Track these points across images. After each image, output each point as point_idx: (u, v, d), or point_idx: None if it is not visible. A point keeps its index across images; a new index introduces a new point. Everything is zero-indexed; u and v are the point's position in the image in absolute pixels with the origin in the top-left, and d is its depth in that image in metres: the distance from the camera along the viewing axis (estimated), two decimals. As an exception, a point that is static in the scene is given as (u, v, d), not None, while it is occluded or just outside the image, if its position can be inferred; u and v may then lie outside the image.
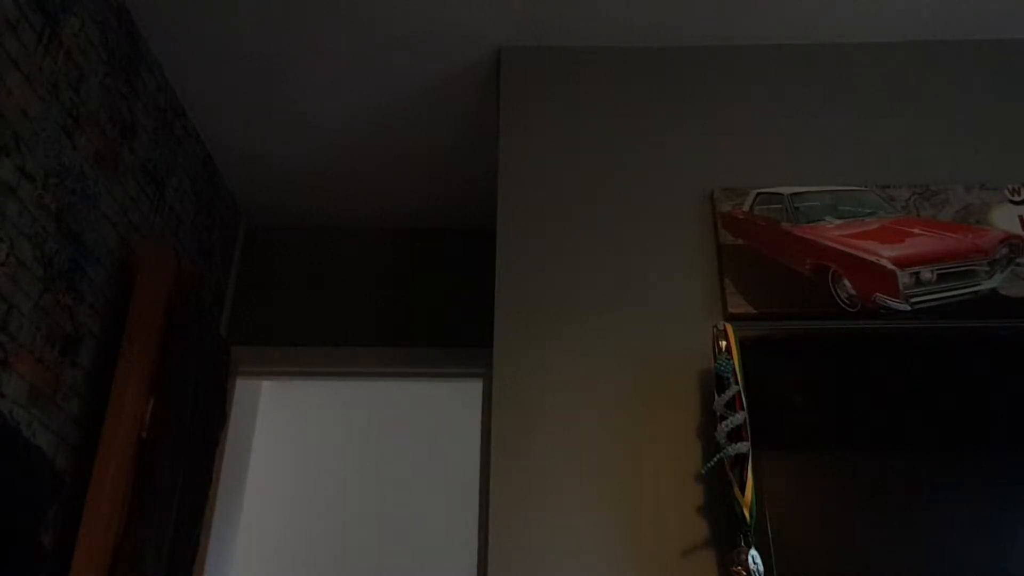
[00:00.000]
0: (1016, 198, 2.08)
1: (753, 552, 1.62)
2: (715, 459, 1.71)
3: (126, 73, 2.34)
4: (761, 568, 1.61)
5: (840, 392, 1.85)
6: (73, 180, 2.09)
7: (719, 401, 1.75)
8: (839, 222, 2.07)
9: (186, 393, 2.37)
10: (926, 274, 1.98)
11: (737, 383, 1.75)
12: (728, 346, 1.79)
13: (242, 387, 3.07)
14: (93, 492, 2.02)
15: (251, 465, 3.26)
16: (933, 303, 1.95)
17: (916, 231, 2.05)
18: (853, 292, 1.97)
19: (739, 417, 1.72)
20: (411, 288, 3.17)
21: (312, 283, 3.18)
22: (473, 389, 3.07)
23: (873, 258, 2.00)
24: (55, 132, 2.02)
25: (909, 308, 1.95)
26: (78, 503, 2.02)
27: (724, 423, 1.72)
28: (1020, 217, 2.05)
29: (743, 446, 1.69)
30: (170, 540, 2.22)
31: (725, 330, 1.82)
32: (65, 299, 2.06)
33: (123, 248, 2.33)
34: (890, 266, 1.99)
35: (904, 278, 1.98)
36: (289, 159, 2.96)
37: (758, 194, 2.11)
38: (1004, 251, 2.01)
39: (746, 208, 2.10)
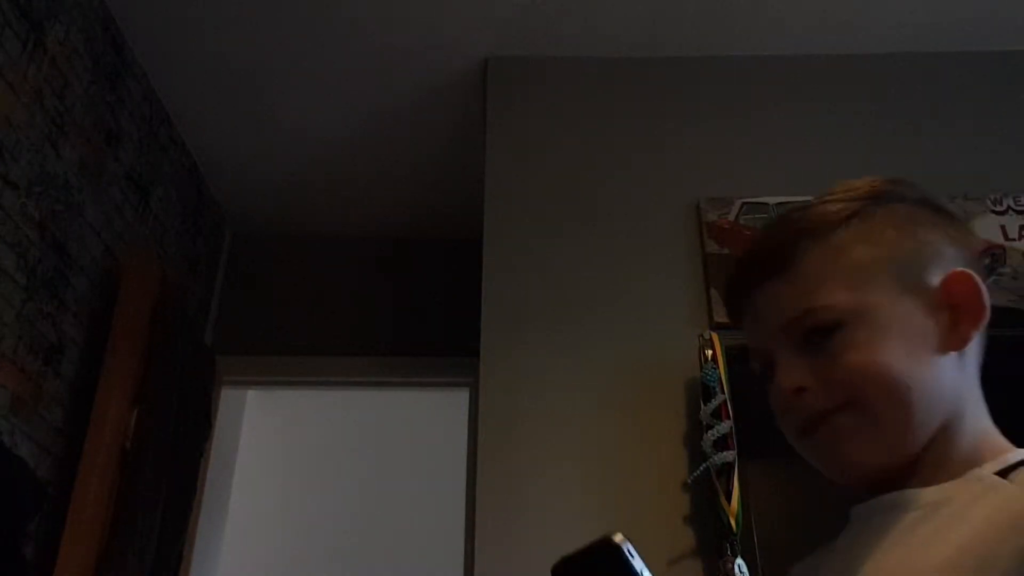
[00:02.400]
0: (998, 208, 2.10)
1: (739, 561, 1.62)
2: (701, 468, 1.71)
3: (111, 81, 2.33)
4: (747, 577, 1.62)
5: (825, 401, 1.86)
6: (57, 188, 2.08)
7: (705, 410, 1.75)
8: (824, 232, 2.08)
9: (170, 403, 2.35)
10: (910, 283, 2.00)
11: (723, 392, 1.75)
12: (714, 355, 1.80)
13: (227, 396, 3.06)
14: (76, 502, 2.01)
15: (236, 475, 3.24)
16: (917, 312, 1.96)
17: (900, 241, 2.06)
18: (838, 301, 1.98)
19: (725, 426, 1.72)
20: (397, 297, 3.16)
21: (298, 292, 3.17)
22: (459, 399, 3.07)
23: (857, 267, 2.01)
24: (39, 140, 2.00)
25: (893, 317, 1.95)
26: (61, 514, 2.00)
27: (710, 432, 1.72)
28: (1002, 227, 2.07)
29: (729, 455, 1.70)
30: (154, 551, 2.20)
31: (711, 339, 1.83)
32: (48, 308, 2.04)
33: (107, 257, 2.31)
34: (874, 275, 2.00)
35: (888, 287, 1.99)
36: (275, 168, 2.95)
37: (744, 204, 2.12)
38: (986, 261, 2.03)
39: (732, 218, 2.11)
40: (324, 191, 3.05)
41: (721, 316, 1.97)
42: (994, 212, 2.09)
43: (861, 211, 0.74)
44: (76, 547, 1.97)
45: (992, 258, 2.03)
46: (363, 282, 3.20)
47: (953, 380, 0.71)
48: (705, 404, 1.76)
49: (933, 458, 0.69)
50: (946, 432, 0.70)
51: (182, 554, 2.45)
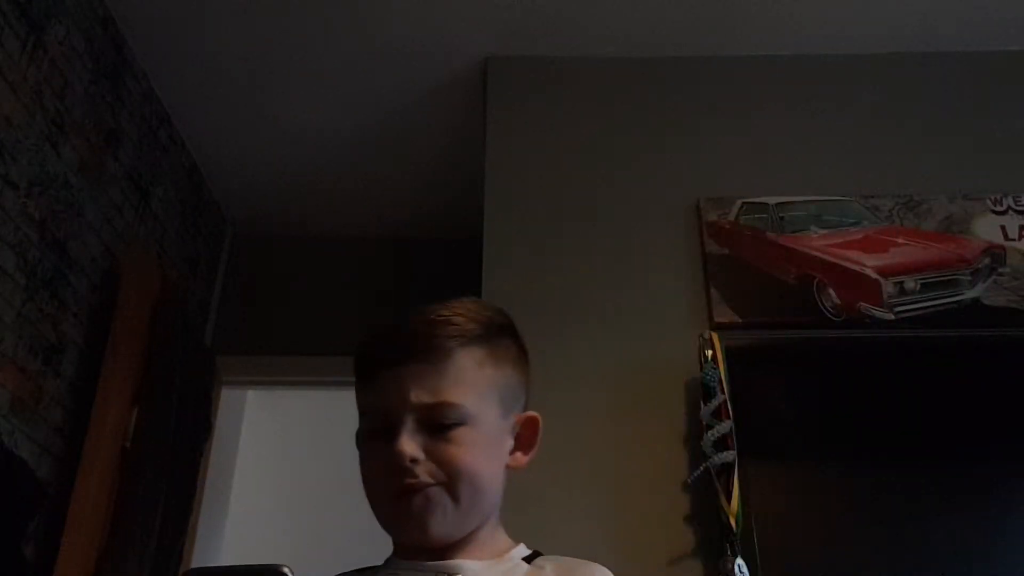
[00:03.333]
0: (998, 208, 2.10)
1: (739, 561, 1.62)
2: (701, 468, 1.71)
3: (111, 81, 2.33)
4: (747, 577, 1.62)
5: (825, 401, 1.86)
6: (57, 188, 2.08)
7: (705, 410, 1.75)
8: (824, 232, 2.08)
9: (170, 403, 2.35)
10: (909, 283, 2.00)
11: (723, 392, 1.75)
12: (714, 355, 1.80)
13: (227, 396, 3.05)
14: (76, 503, 2.00)
15: (236, 475, 3.24)
16: (917, 312, 1.96)
17: (900, 241, 2.06)
18: (838, 301, 1.98)
19: (725, 426, 1.72)
20: (398, 298, 3.15)
21: (298, 292, 3.17)
22: (460, 398, 3.07)
23: (857, 268, 2.01)
24: (39, 140, 2.00)
25: (893, 317, 1.96)
26: (61, 514, 2.00)
27: (710, 432, 1.72)
28: (1002, 227, 2.07)
29: (729, 455, 1.70)
30: (153, 551, 2.20)
31: (711, 339, 1.83)
32: (48, 308, 2.04)
33: (107, 257, 2.31)
34: (874, 275, 2.00)
35: (888, 287, 1.99)
36: (275, 168, 2.95)
37: (744, 204, 2.12)
38: (986, 261, 2.03)
39: (732, 218, 2.11)
40: (324, 191, 3.05)
41: (721, 316, 1.97)
42: (994, 212, 2.09)
43: (495, 337, 0.94)
44: (76, 547, 1.97)
45: (992, 258, 2.03)
46: (363, 282, 3.20)
47: (502, 487, 0.93)
48: (705, 404, 1.76)
49: (475, 540, 0.89)
50: (488, 523, 0.91)
51: (182, 554, 2.45)
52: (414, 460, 0.84)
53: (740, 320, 1.96)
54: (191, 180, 2.88)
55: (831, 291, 1.99)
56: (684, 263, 2.08)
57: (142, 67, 2.50)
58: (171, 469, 2.32)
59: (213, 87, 2.59)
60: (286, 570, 0.50)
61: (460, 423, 0.87)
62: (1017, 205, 2.10)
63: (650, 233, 2.13)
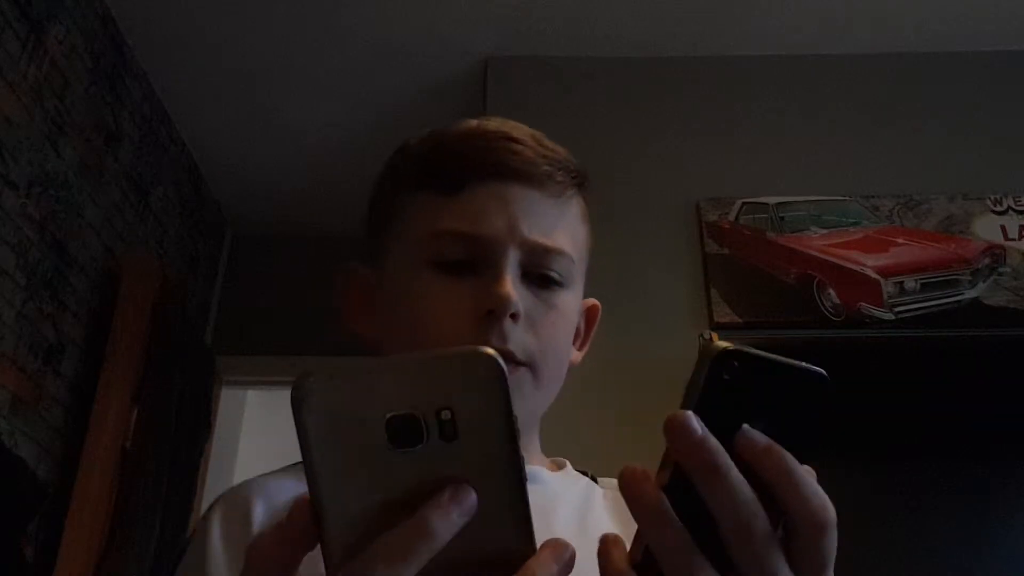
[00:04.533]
0: (998, 208, 2.10)
1: (739, 561, 1.62)
2: (701, 468, 1.71)
3: (111, 81, 2.33)
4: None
5: (824, 400, 1.86)
6: (57, 188, 2.08)
7: (705, 410, 1.75)
8: (824, 232, 2.08)
9: (170, 403, 2.35)
10: (910, 283, 2.00)
11: (723, 392, 1.75)
12: (714, 355, 1.79)
13: (227, 396, 3.05)
14: (76, 503, 2.01)
15: (236, 475, 3.24)
16: (917, 312, 1.96)
17: (900, 241, 2.06)
18: (838, 301, 1.98)
19: (725, 426, 1.72)
20: (397, 297, 3.15)
21: (298, 292, 3.16)
22: (460, 398, 3.07)
23: (857, 268, 2.01)
24: (39, 140, 2.00)
25: (893, 317, 1.96)
26: (61, 514, 2.00)
27: (710, 432, 1.72)
28: (1002, 227, 2.07)
29: (729, 455, 1.70)
30: (153, 552, 2.20)
31: (711, 339, 1.83)
32: (48, 308, 2.04)
33: (107, 257, 2.31)
34: (874, 275, 2.00)
35: (888, 287, 1.99)
36: (275, 168, 2.95)
37: (743, 204, 2.12)
38: (986, 261, 2.03)
39: (732, 218, 2.11)
40: (324, 190, 3.05)
41: (721, 316, 1.97)
42: (994, 212, 2.09)
43: (587, 193, 0.71)
44: (76, 547, 1.97)
45: (992, 258, 2.03)
46: (363, 282, 3.20)
47: None
48: (705, 404, 1.76)
49: (533, 441, 0.71)
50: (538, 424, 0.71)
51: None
52: (515, 316, 0.60)
53: (740, 320, 1.96)
54: (191, 180, 2.88)
55: (831, 291, 1.99)
56: (684, 263, 2.08)
57: (142, 66, 2.50)
58: (171, 469, 2.32)
59: (213, 87, 2.58)
60: (490, 350, 0.39)
61: (564, 285, 0.64)
62: (1017, 205, 2.10)
63: (650, 233, 2.12)
